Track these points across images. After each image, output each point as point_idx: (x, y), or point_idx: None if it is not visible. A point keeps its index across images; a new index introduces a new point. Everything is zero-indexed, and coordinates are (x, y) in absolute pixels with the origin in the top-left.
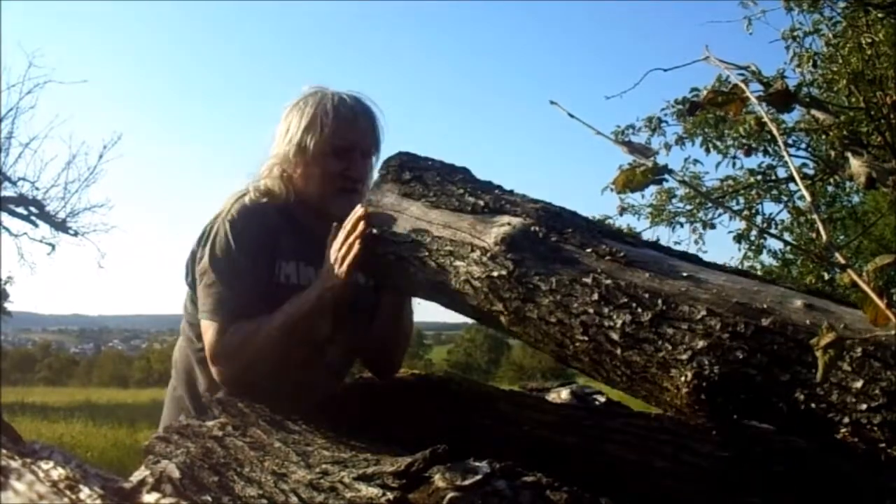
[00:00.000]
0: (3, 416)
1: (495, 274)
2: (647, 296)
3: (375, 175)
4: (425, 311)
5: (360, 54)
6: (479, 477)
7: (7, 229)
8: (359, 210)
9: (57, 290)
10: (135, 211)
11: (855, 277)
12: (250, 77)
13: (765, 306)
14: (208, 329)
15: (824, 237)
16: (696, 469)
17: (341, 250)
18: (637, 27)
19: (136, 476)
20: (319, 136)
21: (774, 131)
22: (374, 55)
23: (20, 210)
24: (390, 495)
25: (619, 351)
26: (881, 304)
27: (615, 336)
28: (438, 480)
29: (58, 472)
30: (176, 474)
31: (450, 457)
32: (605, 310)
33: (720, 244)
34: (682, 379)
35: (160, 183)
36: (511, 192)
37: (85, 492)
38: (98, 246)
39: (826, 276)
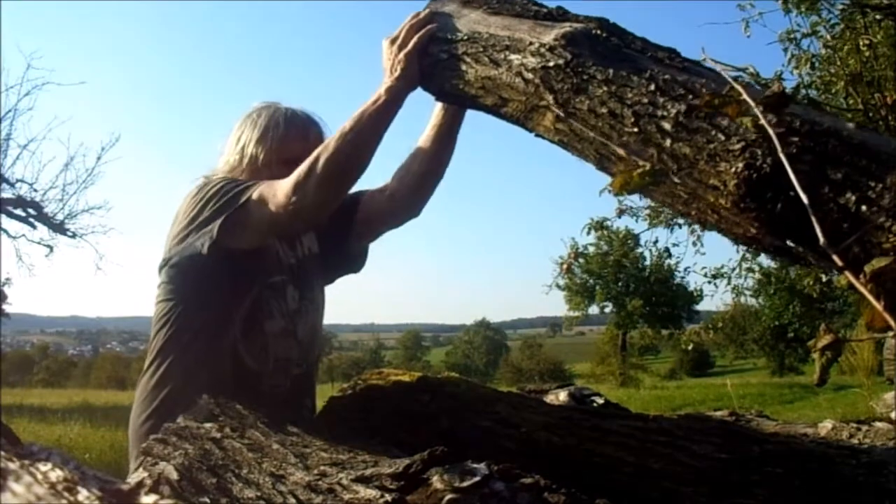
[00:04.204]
0: (2, 418)
1: (551, 64)
2: (704, 90)
3: None
4: (425, 312)
5: (358, 54)
6: (477, 478)
7: (5, 231)
8: (423, 10)
9: (55, 291)
10: (133, 213)
11: (852, 279)
12: (254, 77)
13: (820, 118)
14: (271, 186)
15: (822, 238)
16: (693, 471)
17: (399, 42)
18: (636, 27)
19: (134, 478)
20: (270, 147)
21: (771, 133)
22: (370, 57)
23: (18, 212)
24: (388, 497)
25: (668, 142)
26: (878, 306)
27: (667, 126)
28: (436, 482)
29: (56, 474)
30: (174, 476)
31: (448, 458)
32: (661, 100)
33: (719, 245)
34: (732, 170)
35: (159, 184)
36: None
37: (83, 493)
38: (96, 248)
39: (824, 278)
